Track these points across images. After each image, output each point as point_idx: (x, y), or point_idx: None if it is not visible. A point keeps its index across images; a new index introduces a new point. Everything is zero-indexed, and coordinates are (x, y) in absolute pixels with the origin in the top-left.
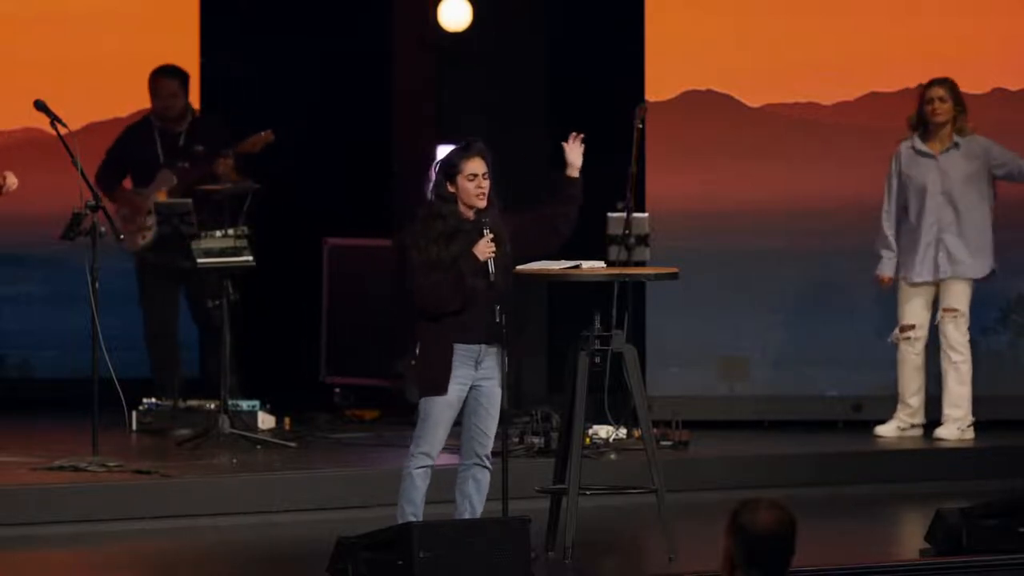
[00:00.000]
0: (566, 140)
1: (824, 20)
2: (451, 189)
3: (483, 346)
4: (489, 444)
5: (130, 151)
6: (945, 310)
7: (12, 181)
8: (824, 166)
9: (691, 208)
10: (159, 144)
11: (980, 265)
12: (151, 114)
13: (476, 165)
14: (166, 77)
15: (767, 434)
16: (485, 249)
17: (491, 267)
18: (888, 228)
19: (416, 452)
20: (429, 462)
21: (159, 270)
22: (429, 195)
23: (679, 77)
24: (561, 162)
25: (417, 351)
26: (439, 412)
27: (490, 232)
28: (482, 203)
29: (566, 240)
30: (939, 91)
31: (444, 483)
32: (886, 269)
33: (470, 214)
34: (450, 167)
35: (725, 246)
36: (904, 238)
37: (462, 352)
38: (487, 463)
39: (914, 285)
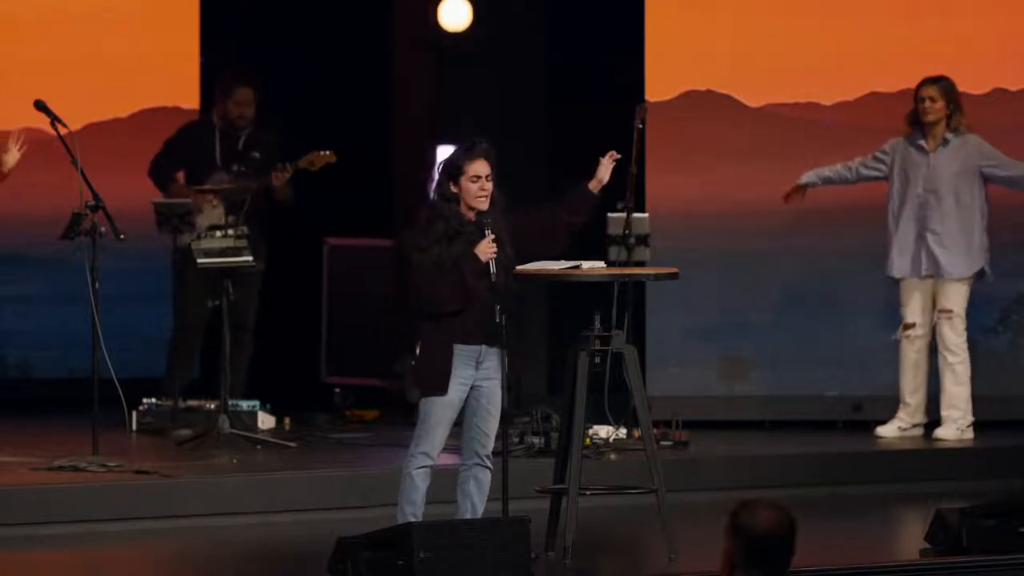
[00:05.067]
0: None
1: (824, 20)
2: (454, 189)
3: (484, 347)
4: (490, 444)
5: (190, 147)
6: (940, 311)
7: (14, 156)
8: (824, 166)
9: (691, 208)
10: (218, 146)
11: (965, 264)
12: (215, 115)
13: (480, 167)
14: (246, 85)
15: (767, 434)
16: (487, 249)
17: (493, 268)
18: (837, 166)
19: (416, 452)
20: (429, 463)
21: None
22: (431, 195)
23: (679, 77)
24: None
25: (417, 351)
26: (439, 412)
27: (492, 233)
28: (484, 205)
29: (564, 250)
30: (930, 91)
31: (445, 483)
32: (803, 174)
33: (471, 215)
34: (454, 167)
35: (725, 246)
36: (890, 232)
37: (463, 353)
38: (488, 463)
39: (904, 280)
